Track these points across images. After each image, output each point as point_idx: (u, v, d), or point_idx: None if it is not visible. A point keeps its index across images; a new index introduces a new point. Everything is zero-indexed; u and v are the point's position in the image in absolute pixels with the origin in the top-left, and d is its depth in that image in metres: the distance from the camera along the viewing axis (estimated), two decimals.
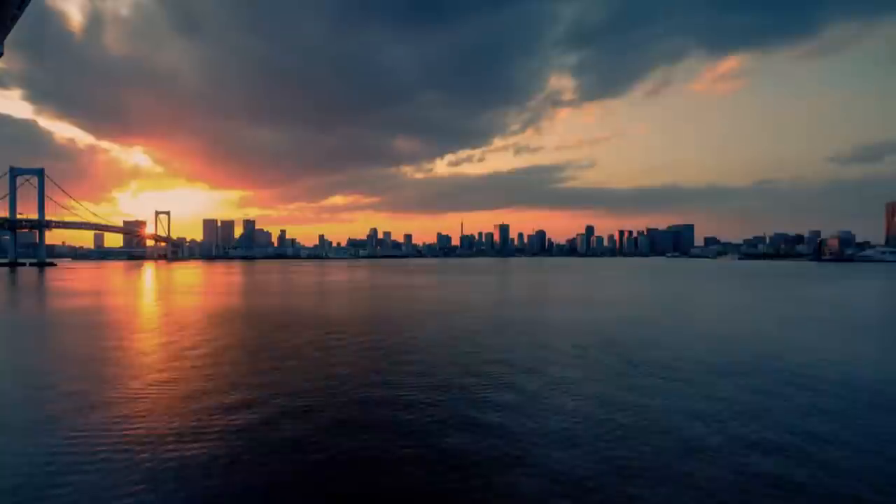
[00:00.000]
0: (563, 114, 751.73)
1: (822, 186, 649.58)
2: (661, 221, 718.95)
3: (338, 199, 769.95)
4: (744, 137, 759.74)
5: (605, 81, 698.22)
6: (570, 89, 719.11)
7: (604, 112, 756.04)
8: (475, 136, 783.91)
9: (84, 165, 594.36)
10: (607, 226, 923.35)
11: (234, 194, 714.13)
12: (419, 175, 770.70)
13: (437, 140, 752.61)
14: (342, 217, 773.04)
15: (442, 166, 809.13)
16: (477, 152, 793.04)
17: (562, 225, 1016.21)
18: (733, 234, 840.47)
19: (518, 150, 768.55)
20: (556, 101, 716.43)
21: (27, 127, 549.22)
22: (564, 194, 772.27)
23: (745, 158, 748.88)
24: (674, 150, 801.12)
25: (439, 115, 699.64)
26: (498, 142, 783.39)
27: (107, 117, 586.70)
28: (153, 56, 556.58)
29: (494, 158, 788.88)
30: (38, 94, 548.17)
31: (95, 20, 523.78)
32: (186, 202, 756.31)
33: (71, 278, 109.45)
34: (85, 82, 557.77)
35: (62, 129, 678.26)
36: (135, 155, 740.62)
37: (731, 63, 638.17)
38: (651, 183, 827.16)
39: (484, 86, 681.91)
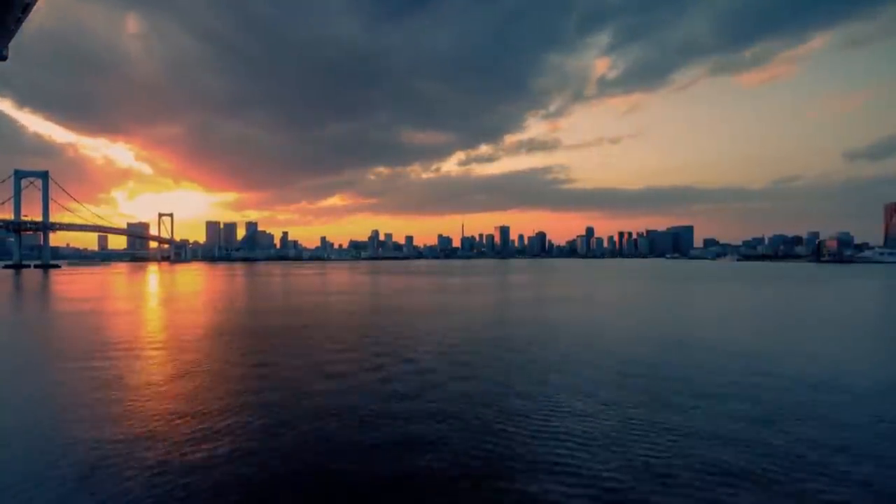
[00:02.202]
0: (583, 110, 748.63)
1: (835, 187, 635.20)
2: (662, 222, 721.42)
3: (339, 201, 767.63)
4: (767, 134, 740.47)
5: (630, 76, 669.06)
6: (592, 84, 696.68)
7: (627, 108, 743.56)
8: (488, 134, 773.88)
9: (67, 163, 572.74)
10: (609, 227, 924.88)
11: (236, 196, 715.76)
12: (426, 175, 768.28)
13: (445, 139, 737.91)
14: (344, 218, 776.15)
15: (449, 166, 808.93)
16: (489, 150, 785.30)
17: (562, 226, 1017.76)
18: (732, 235, 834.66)
19: (532, 148, 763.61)
20: (578, 97, 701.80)
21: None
22: (567, 196, 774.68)
23: (762, 158, 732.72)
24: (691, 148, 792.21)
25: (448, 112, 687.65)
26: (511, 138, 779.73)
27: (81, 110, 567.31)
28: (123, 43, 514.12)
29: (505, 157, 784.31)
30: None
31: None
32: (188, 205, 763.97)
33: (76, 281, 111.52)
34: (47, 69, 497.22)
35: (33, 123, 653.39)
36: (123, 155, 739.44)
37: (759, 52, 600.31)
38: (659, 183, 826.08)
39: (497, 80, 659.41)
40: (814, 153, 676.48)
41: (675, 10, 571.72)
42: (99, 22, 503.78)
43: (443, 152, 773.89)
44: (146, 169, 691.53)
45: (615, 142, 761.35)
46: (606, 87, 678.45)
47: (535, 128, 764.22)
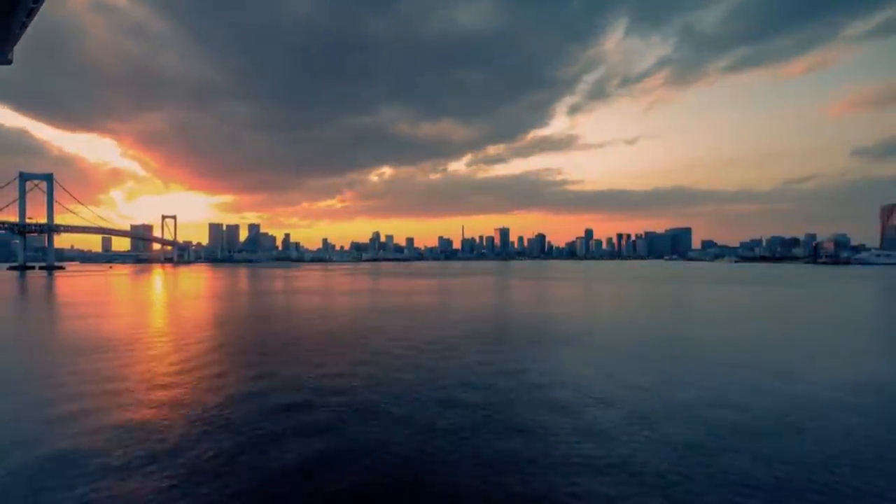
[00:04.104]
0: (602, 108, 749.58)
1: (844, 187, 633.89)
2: (662, 224, 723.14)
3: (340, 202, 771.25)
4: (786, 132, 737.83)
5: (648, 72, 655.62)
6: (611, 81, 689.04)
7: (646, 106, 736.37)
8: (497, 135, 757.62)
9: (53, 162, 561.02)
10: (609, 228, 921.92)
11: (239, 198, 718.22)
12: (433, 176, 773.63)
13: (454, 139, 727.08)
14: (345, 220, 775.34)
15: (458, 166, 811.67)
16: (498, 150, 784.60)
17: (562, 228, 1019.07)
18: (730, 237, 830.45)
19: (543, 149, 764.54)
20: (597, 94, 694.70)
21: None
22: (568, 197, 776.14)
23: (777, 157, 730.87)
24: (706, 148, 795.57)
25: (455, 110, 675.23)
26: (523, 139, 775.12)
27: (53, 103, 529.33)
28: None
29: (514, 158, 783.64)
30: None
31: None
32: (191, 207, 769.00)
33: (80, 283, 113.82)
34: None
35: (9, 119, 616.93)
36: (110, 152, 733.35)
37: (790, 43, 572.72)
38: (666, 184, 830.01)
39: (508, 74, 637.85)
40: (833, 152, 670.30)
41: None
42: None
43: (450, 153, 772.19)
44: (139, 170, 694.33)
45: (632, 142, 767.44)
46: (625, 83, 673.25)
47: (549, 128, 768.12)
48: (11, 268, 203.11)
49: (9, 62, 67.46)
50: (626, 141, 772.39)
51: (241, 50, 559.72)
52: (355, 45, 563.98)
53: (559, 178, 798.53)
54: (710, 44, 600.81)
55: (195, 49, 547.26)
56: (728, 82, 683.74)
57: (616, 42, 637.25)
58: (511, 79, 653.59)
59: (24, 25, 55.14)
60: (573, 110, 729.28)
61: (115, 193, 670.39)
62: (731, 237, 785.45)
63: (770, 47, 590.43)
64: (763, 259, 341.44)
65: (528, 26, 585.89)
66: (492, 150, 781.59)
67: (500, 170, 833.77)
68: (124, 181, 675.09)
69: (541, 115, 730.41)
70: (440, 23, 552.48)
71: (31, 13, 52.70)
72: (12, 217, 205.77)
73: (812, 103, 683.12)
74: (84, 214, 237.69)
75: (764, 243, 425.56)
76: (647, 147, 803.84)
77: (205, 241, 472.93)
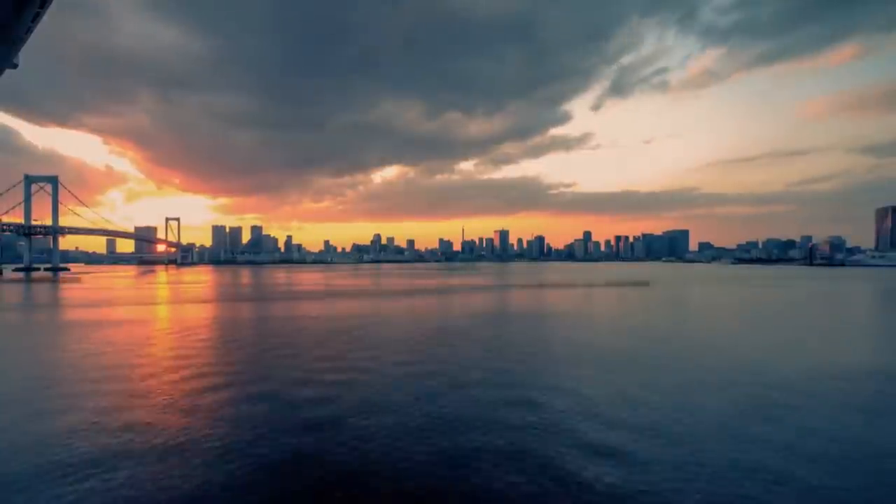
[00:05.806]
0: (619, 107, 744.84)
1: (853, 188, 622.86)
2: (660, 226, 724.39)
3: (342, 204, 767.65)
4: (803, 130, 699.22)
5: (663, 68, 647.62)
6: (628, 79, 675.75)
7: (663, 104, 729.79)
8: (505, 135, 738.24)
9: (40, 160, 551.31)
10: (608, 230, 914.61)
11: (239, 200, 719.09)
12: (440, 177, 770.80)
13: (458, 140, 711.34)
14: (346, 221, 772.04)
15: (466, 166, 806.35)
16: (506, 150, 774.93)
17: (562, 229, 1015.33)
18: (728, 239, 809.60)
19: (553, 149, 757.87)
20: (617, 90, 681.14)
21: None
22: (569, 199, 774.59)
23: (788, 156, 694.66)
24: (718, 147, 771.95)
25: (462, 107, 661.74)
26: (530, 140, 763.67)
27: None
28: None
29: (521, 159, 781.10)
30: None
31: None
32: (194, 209, 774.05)
33: (84, 283, 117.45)
34: None
35: None
36: (99, 150, 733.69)
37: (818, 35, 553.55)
38: (672, 185, 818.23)
39: (524, 70, 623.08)
40: (847, 151, 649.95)
41: None
42: None
43: (456, 154, 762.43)
44: (134, 171, 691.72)
45: (648, 142, 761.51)
46: (642, 80, 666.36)
47: (564, 127, 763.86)
48: (17, 269, 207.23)
49: (15, 66, 71.26)
50: (643, 140, 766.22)
51: (230, 43, 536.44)
52: (355, 36, 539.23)
53: (565, 179, 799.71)
54: (732, 37, 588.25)
55: (178, 36, 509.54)
56: (749, 77, 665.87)
57: (635, 35, 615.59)
58: (523, 72, 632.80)
59: (29, 30, 58.85)
60: (591, 108, 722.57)
61: (115, 195, 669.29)
62: (729, 239, 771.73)
63: (794, 41, 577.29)
64: (759, 261, 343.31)
65: (542, 14, 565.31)
66: (500, 150, 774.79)
67: (507, 171, 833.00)
68: (122, 182, 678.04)
69: (555, 113, 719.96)
70: (449, 8, 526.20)
71: (36, 18, 56.43)
72: (18, 219, 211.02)
73: (834, 99, 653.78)
74: (88, 216, 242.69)
75: (760, 245, 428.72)
76: (662, 147, 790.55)
77: (208, 242, 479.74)
